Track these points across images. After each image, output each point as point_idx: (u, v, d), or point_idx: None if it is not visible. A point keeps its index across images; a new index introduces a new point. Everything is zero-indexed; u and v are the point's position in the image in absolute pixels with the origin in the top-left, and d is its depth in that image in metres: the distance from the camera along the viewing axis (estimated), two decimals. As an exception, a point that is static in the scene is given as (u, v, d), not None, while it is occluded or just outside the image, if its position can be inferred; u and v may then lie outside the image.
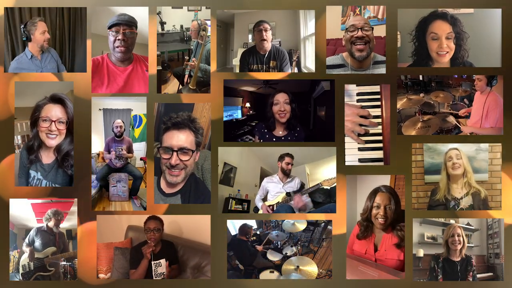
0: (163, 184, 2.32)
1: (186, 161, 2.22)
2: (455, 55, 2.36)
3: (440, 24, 2.34)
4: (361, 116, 2.38)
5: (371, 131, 2.38)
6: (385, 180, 2.38)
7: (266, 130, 2.59)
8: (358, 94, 2.39)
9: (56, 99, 2.37)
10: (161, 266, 2.37)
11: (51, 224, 2.41)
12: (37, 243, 2.42)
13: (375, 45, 2.37)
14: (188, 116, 2.27)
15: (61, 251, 2.42)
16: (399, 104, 2.40)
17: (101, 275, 2.42)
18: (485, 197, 2.36)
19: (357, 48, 2.35)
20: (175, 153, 2.20)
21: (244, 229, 2.48)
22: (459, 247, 2.35)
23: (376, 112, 2.40)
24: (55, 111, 2.35)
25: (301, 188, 2.58)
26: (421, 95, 2.41)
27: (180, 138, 2.22)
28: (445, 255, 2.37)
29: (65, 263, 2.41)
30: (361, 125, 2.38)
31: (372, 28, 2.36)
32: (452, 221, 2.39)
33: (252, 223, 2.51)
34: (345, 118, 2.38)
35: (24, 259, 2.40)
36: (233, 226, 2.48)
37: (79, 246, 2.40)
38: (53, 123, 2.34)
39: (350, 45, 2.36)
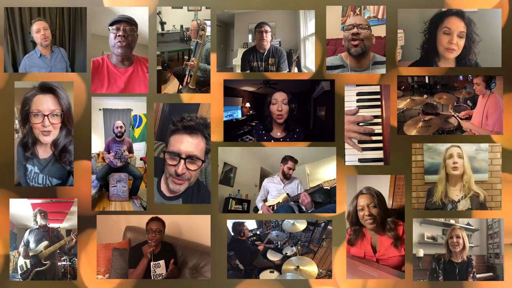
0: (163, 187, 2.31)
1: (193, 171, 2.12)
2: (463, 55, 2.36)
3: (455, 21, 2.34)
4: (358, 122, 2.38)
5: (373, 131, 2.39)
6: (385, 180, 2.38)
7: (263, 132, 2.59)
8: (358, 94, 2.39)
9: (46, 89, 2.27)
10: (160, 267, 2.37)
11: (40, 221, 2.40)
12: (31, 241, 2.41)
13: (373, 45, 2.37)
14: (203, 120, 2.16)
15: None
16: (403, 104, 2.40)
17: (99, 276, 2.42)
18: (483, 200, 2.36)
19: (352, 44, 2.35)
20: (182, 161, 2.10)
21: (236, 228, 2.46)
22: (458, 249, 2.35)
23: (376, 112, 2.40)
24: (46, 103, 2.26)
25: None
26: (424, 96, 2.42)
27: (190, 144, 2.11)
28: (447, 256, 2.37)
29: (65, 263, 2.41)
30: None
31: (369, 27, 2.36)
32: (452, 221, 2.39)
33: (252, 223, 2.51)
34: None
35: (21, 259, 2.40)
36: (233, 226, 2.48)
37: (79, 246, 2.40)
38: (45, 117, 2.25)
39: (347, 43, 2.37)
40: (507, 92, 2.37)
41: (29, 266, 2.39)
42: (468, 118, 2.42)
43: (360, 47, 2.35)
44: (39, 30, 2.39)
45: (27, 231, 2.41)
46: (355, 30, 2.34)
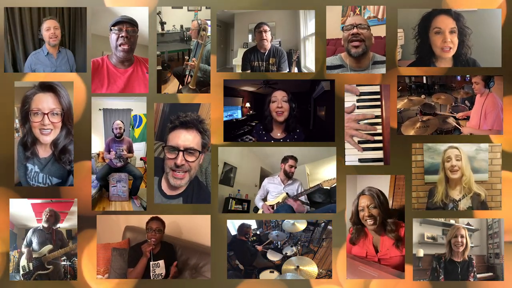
0: (164, 186, 2.33)
1: (191, 162, 2.21)
2: (459, 51, 2.36)
3: (444, 19, 2.34)
4: (359, 121, 2.38)
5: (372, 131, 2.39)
6: (385, 180, 2.38)
7: (264, 132, 2.59)
8: (358, 94, 2.39)
9: (46, 87, 2.27)
10: (159, 267, 2.37)
11: (46, 223, 2.40)
12: (34, 243, 2.41)
13: (373, 44, 2.37)
14: (197, 116, 2.27)
15: (60, 248, 2.40)
16: (400, 104, 2.40)
17: (99, 276, 2.42)
18: (484, 199, 2.36)
19: (353, 45, 2.35)
20: (181, 153, 2.19)
21: (242, 229, 2.48)
22: (461, 248, 2.35)
23: (376, 112, 2.40)
24: (46, 102, 2.26)
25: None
26: (422, 96, 2.42)
27: (187, 138, 2.21)
28: (447, 255, 2.37)
29: (65, 263, 2.40)
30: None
31: (369, 27, 2.36)
32: (452, 221, 2.39)
33: (252, 223, 2.51)
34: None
35: (23, 260, 2.39)
36: (233, 226, 2.47)
37: (79, 246, 2.40)
38: (45, 116, 2.25)
39: (347, 44, 2.37)
40: (508, 94, 2.37)
41: (31, 268, 2.39)
42: (466, 119, 2.42)
43: (361, 48, 2.35)
44: (49, 29, 2.39)
45: (31, 231, 2.41)
46: (355, 30, 2.34)
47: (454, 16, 2.34)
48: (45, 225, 2.40)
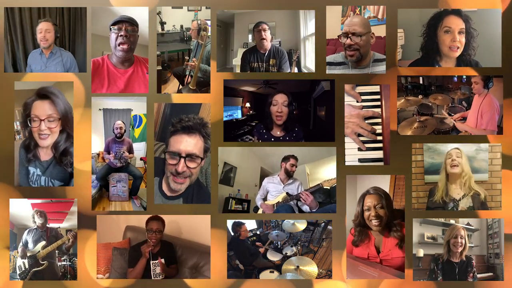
0: (164, 187, 2.32)
1: (193, 168, 2.19)
2: (464, 52, 2.37)
3: (454, 19, 2.35)
4: (366, 118, 2.38)
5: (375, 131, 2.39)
6: (385, 180, 2.38)
7: (264, 130, 2.59)
8: (359, 102, 2.40)
9: (42, 95, 2.31)
10: (159, 266, 2.37)
11: (37, 221, 2.40)
12: (30, 242, 2.41)
13: (371, 45, 2.37)
14: (200, 120, 2.23)
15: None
16: (397, 104, 2.40)
17: (99, 276, 2.42)
18: (484, 199, 2.36)
19: (348, 54, 2.37)
20: (182, 160, 2.16)
21: (234, 228, 2.46)
22: (460, 249, 2.35)
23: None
24: (43, 109, 2.29)
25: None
26: (420, 97, 2.42)
27: (189, 143, 2.17)
28: (445, 256, 2.37)
29: (65, 263, 2.41)
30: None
31: (366, 33, 2.34)
32: (452, 221, 2.39)
33: (252, 223, 2.51)
34: (348, 119, 2.38)
35: (19, 259, 2.40)
36: (233, 226, 2.48)
37: (79, 246, 2.40)
38: (42, 122, 2.29)
39: (344, 50, 2.38)
40: (508, 96, 2.37)
41: (27, 267, 2.39)
42: (462, 120, 2.42)
43: (356, 57, 2.36)
44: (41, 31, 2.40)
45: (26, 231, 2.41)
46: (348, 41, 2.34)
47: (464, 18, 2.35)
48: (38, 224, 2.40)
